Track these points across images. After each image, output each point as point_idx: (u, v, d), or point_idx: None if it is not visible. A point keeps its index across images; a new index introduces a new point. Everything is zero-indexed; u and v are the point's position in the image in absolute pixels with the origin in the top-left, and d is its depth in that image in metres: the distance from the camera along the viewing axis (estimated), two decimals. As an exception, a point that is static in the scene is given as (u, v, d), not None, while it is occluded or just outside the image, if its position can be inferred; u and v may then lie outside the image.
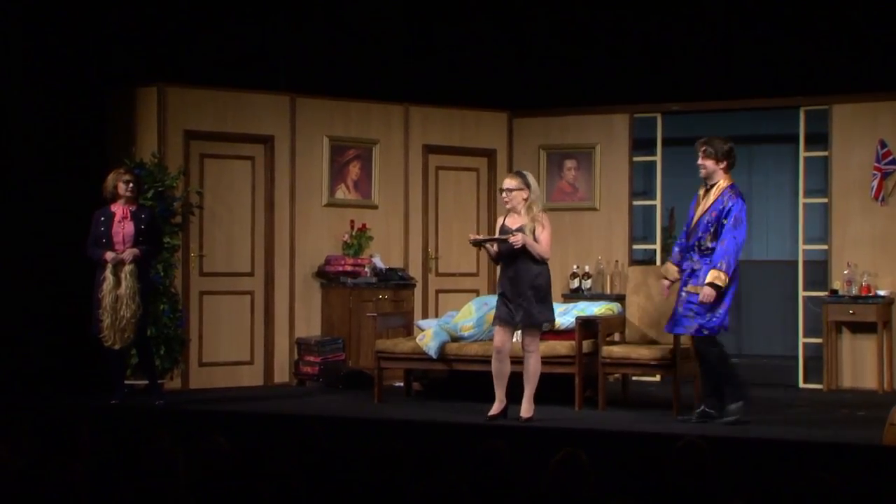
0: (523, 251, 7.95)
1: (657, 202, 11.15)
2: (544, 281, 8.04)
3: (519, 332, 8.26)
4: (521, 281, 7.98)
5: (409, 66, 11.13)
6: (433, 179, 11.39)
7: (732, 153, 8.11)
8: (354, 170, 10.97)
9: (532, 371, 8.09)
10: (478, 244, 8.28)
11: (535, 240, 7.97)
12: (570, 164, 11.41)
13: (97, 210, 8.89)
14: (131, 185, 8.86)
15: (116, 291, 8.60)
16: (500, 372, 8.13)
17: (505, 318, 8.06)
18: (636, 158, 11.24)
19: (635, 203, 11.29)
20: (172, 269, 9.79)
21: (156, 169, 9.77)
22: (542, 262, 8.01)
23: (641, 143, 11.26)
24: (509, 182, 8.11)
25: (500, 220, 8.30)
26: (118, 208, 8.85)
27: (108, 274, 8.62)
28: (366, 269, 10.63)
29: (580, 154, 11.38)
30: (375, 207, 11.02)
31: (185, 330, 9.93)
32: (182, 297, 9.97)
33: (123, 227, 8.77)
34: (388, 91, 11.07)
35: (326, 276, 10.68)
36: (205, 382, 10.08)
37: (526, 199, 8.03)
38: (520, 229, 8.00)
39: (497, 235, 8.13)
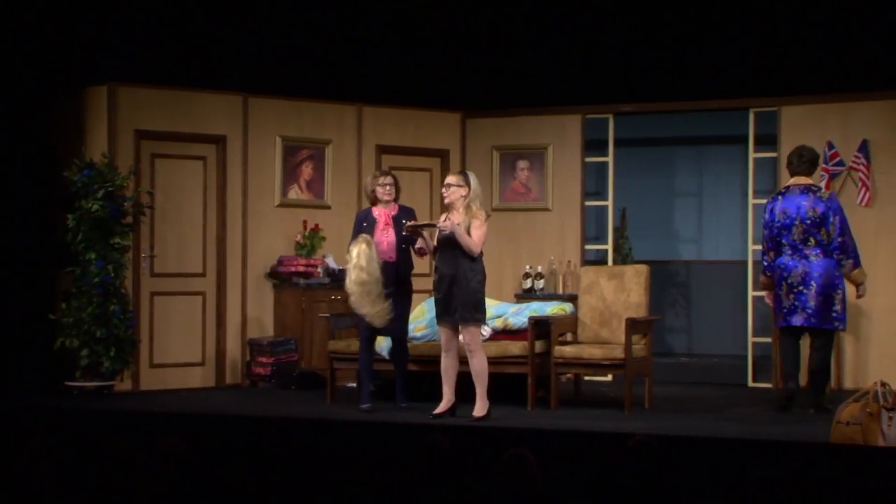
0: (458, 250, 8.08)
1: (609, 203, 11.22)
2: (481, 279, 8.17)
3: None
4: (458, 279, 8.11)
5: (362, 67, 11.11)
6: (386, 180, 11.37)
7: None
8: (307, 170, 10.95)
9: (478, 370, 8.17)
10: (412, 230, 8.30)
11: (468, 234, 8.10)
12: (522, 164, 11.45)
13: (360, 212, 8.95)
14: (388, 187, 8.64)
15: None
16: (448, 368, 8.25)
17: (446, 317, 8.18)
18: (588, 159, 11.30)
19: (587, 203, 11.35)
20: (123, 270, 9.72)
21: (106, 169, 9.70)
22: (476, 260, 8.14)
23: (593, 144, 11.32)
24: (450, 178, 8.33)
25: (442, 216, 8.39)
26: (381, 213, 8.67)
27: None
28: (318, 270, 10.62)
29: (533, 154, 11.42)
30: (328, 208, 11.01)
31: (136, 331, 9.86)
32: (133, 297, 9.91)
33: (387, 235, 8.61)
34: (341, 91, 11.06)
35: (279, 277, 10.65)
36: (156, 384, 10.02)
37: (465, 197, 8.19)
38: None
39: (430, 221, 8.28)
